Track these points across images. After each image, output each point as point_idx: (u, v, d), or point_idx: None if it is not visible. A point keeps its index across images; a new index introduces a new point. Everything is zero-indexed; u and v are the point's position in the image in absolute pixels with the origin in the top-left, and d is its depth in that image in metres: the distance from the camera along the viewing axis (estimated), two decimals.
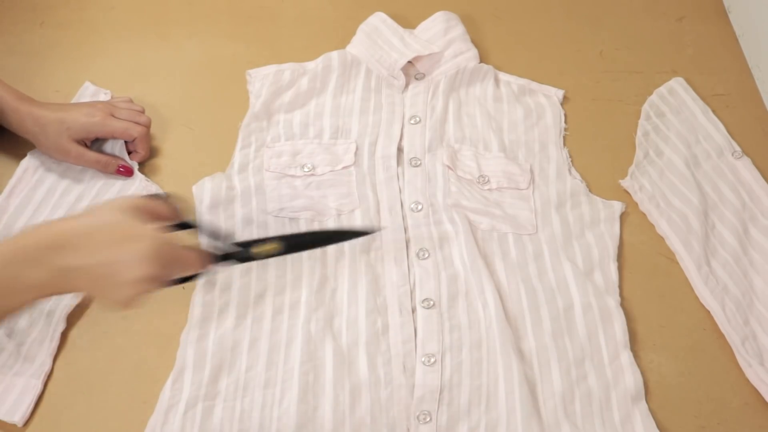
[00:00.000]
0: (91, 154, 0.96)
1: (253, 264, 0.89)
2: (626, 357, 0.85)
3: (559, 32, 1.15)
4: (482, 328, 0.86)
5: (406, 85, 1.08)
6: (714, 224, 0.95)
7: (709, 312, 0.90)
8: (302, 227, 0.93)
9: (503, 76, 1.11)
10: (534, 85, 1.10)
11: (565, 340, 0.86)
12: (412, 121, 1.04)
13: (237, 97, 1.07)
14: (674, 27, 1.21)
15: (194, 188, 0.96)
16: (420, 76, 1.08)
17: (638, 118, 1.07)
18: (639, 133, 1.05)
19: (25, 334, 0.83)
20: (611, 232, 0.96)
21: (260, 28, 1.16)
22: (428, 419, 0.80)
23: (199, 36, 1.15)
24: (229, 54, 1.13)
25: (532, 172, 1.01)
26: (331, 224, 0.94)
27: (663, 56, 1.16)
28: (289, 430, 0.79)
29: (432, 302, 0.87)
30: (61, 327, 0.85)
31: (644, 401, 0.83)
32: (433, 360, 0.83)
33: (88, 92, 1.05)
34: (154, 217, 0.73)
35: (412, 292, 0.89)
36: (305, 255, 0.91)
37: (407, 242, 0.93)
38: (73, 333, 0.86)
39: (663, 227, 0.96)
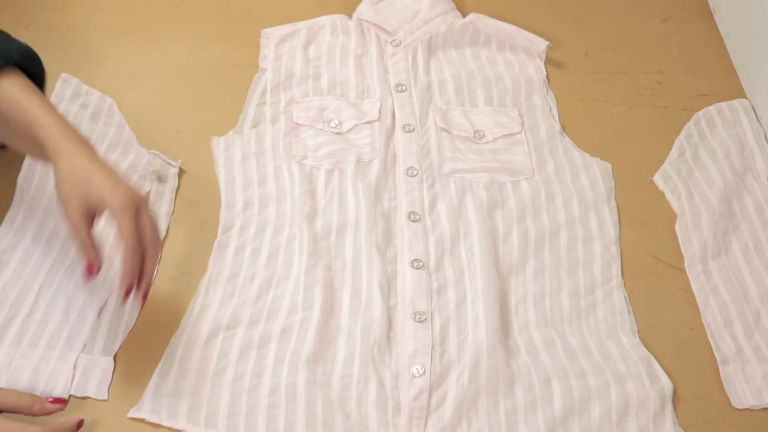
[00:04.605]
0: (83, 232, 0.80)
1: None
2: (601, 293, 0.90)
3: (545, 33, 1.16)
4: (466, 281, 0.89)
5: (384, 51, 1.12)
6: (726, 230, 0.95)
7: (696, 311, 0.90)
8: (321, 177, 0.97)
9: (483, 27, 1.14)
10: (516, 37, 1.14)
11: (545, 274, 0.91)
12: (399, 89, 1.07)
13: (224, 99, 1.07)
14: (660, 28, 1.21)
15: (214, 143, 1.01)
16: (396, 43, 1.12)
17: (624, 118, 1.08)
18: (682, 135, 1.05)
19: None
20: (604, 175, 1.01)
21: (247, 30, 1.16)
22: (423, 372, 0.82)
23: (186, 38, 1.15)
24: (216, 56, 1.13)
25: (521, 116, 1.05)
26: (350, 170, 0.98)
27: (649, 57, 1.16)
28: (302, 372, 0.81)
29: (421, 263, 0.89)
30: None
31: (632, 325, 0.88)
32: (423, 317, 0.85)
33: (71, 88, 1.04)
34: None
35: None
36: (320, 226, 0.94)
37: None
38: None
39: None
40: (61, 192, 0.80)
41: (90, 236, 0.81)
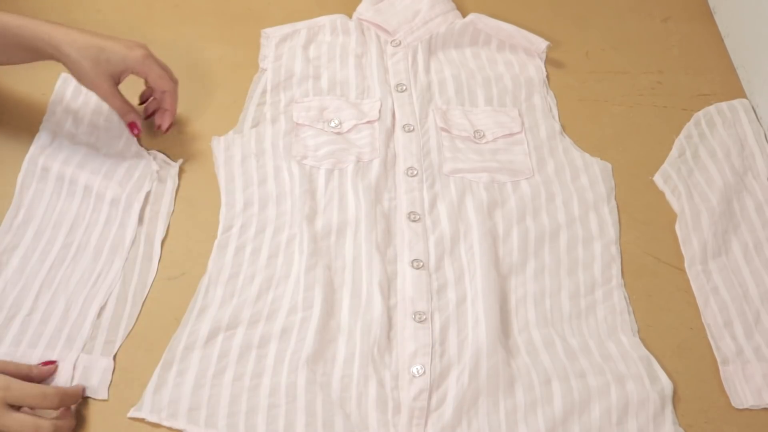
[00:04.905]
0: (119, 98, 0.95)
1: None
2: (601, 293, 0.90)
3: (545, 32, 1.16)
4: (466, 281, 0.89)
5: (384, 51, 1.12)
6: (726, 230, 0.95)
7: (696, 311, 0.90)
8: (321, 177, 0.97)
9: (483, 27, 1.14)
10: (516, 36, 1.14)
11: (545, 274, 0.92)
12: (399, 89, 1.07)
13: (224, 99, 1.07)
14: (660, 27, 1.21)
15: (214, 143, 1.01)
16: (396, 43, 1.12)
17: (624, 118, 1.08)
18: (682, 135, 1.05)
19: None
20: (604, 175, 1.01)
21: (247, 31, 1.16)
22: (423, 372, 0.82)
23: (186, 39, 1.15)
24: (216, 56, 1.13)
25: (521, 116, 1.06)
26: (350, 170, 0.98)
27: (649, 57, 1.16)
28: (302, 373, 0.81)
29: (421, 263, 0.89)
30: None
31: (632, 326, 0.88)
32: (423, 317, 0.85)
33: (71, 87, 1.05)
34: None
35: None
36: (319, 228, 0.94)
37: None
38: None
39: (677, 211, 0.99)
40: (84, 73, 0.91)
41: (124, 100, 0.96)
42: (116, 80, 0.95)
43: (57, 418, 0.76)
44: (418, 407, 0.80)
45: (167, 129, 1.00)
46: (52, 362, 0.80)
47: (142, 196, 0.94)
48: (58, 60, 0.92)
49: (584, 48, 1.18)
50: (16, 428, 0.73)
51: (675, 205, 0.99)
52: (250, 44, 1.14)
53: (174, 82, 0.98)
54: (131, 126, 0.97)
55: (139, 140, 1.00)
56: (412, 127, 1.03)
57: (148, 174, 0.97)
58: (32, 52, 0.92)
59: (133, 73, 0.95)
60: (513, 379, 0.82)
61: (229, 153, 1.00)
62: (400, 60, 1.11)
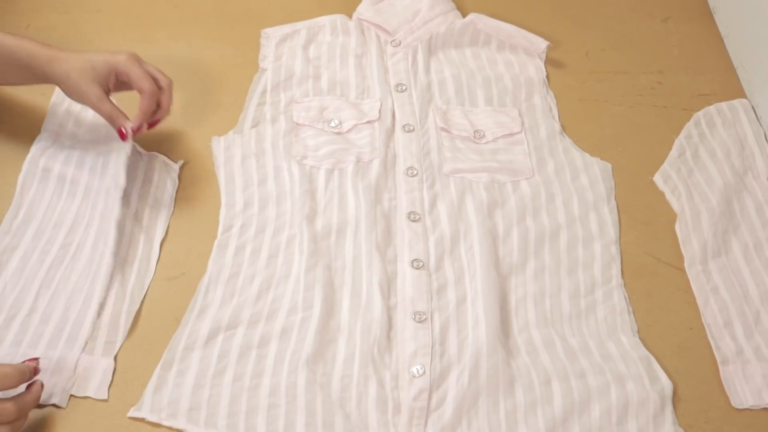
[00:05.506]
0: (107, 103, 0.93)
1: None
2: (601, 294, 0.90)
3: (545, 33, 1.16)
4: (466, 281, 0.89)
5: (384, 51, 1.12)
6: (726, 230, 0.95)
7: (696, 311, 0.90)
8: (321, 177, 0.97)
9: (483, 27, 1.14)
10: (516, 36, 1.14)
11: (545, 274, 0.92)
12: (399, 89, 1.07)
13: (224, 99, 1.07)
14: (660, 27, 1.21)
15: (214, 143, 1.01)
16: (396, 43, 1.12)
17: (624, 118, 1.08)
18: (682, 135, 1.05)
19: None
20: (604, 175, 1.01)
21: (247, 30, 1.16)
22: (423, 372, 0.82)
23: (186, 39, 1.15)
24: (216, 56, 1.13)
25: (521, 116, 1.06)
26: (350, 170, 0.98)
27: (649, 57, 1.16)
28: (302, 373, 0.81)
29: (421, 263, 0.89)
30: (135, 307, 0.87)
31: (633, 325, 0.88)
32: (423, 317, 0.85)
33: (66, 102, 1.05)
34: None
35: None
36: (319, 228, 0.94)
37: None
38: None
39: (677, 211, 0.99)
40: (72, 83, 0.92)
41: (114, 105, 0.94)
42: (105, 87, 0.93)
43: (22, 393, 0.75)
44: (418, 407, 0.80)
45: (137, 130, 0.94)
46: (35, 359, 0.79)
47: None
48: (48, 78, 0.93)
49: (584, 48, 1.18)
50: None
51: (675, 205, 0.99)
52: (250, 44, 1.14)
53: (157, 86, 0.94)
54: (120, 132, 0.94)
55: (139, 142, 1.01)
56: (412, 127, 1.03)
57: (150, 174, 0.97)
58: (26, 70, 0.93)
59: (117, 74, 0.94)
60: (513, 379, 0.82)
61: (229, 153, 1.00)
62: (400, 60, 1.11)
